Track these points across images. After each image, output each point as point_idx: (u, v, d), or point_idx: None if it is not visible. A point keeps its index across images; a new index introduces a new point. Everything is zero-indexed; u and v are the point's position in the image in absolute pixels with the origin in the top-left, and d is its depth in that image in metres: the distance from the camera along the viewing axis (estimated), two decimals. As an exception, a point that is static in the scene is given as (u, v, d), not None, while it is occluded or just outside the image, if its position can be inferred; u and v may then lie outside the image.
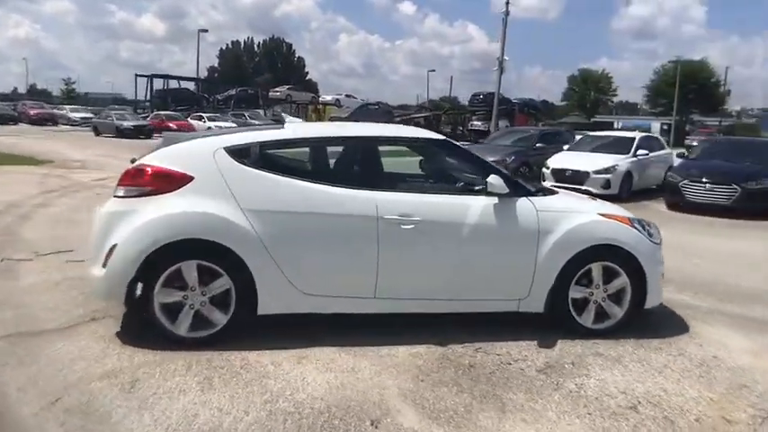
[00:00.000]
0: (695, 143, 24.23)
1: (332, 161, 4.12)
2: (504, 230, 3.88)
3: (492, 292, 3.96)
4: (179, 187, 3.59)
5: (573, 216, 4.02)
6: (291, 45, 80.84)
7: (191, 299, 3.58)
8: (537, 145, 14.82)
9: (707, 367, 3.64)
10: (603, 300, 4.06)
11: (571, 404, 3.10)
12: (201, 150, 3.77)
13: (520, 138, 15.82)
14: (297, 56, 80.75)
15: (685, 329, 4.27)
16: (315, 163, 4.19)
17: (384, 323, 3.89)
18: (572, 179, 11.46)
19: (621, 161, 11.97)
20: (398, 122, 35.90)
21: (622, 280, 4.04)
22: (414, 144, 4.36)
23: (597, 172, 11.60)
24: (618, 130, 32.91)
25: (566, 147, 13.83)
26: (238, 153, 3.74)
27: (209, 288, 3.59)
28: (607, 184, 11.46)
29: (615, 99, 68.06)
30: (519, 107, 43.10)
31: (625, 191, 11.70)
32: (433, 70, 68.01)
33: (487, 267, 3.91)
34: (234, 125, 32.24)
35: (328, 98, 47.14)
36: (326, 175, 3.90)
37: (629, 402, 3.14)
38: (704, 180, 10.44)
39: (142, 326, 3.68)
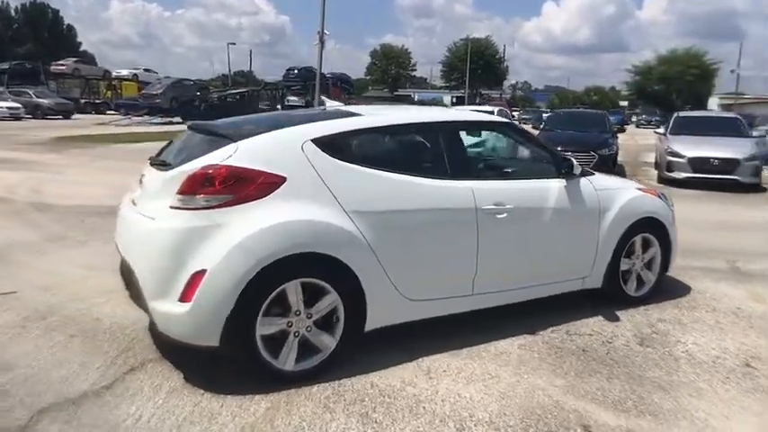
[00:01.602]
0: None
1: (412, 150, 3.70)
2: (576, 211, 3.91)
3: (565, 274, 3.98)
4: (271, 191, 2.90)
5: (622, 193, 4.22)
6: (59, 12, 69.74)
7: (295, 325, 2.97)
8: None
9: (744, 317, 4.15)
10: (642, 269, 4.37)
11: (704, 372, 3.29)
12: (287, 143, 3.09)
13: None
14: (66, 23, 69.97)
15: (687, 287, 4.79)
16: (402, 153, 3.72)
17: (453, 321, 3.62)
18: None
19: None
20: (216, 99, 33.75)
21: (655, 248, 4.38)
22: (491, 128, 4.12)
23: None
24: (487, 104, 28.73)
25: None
26: (329, 145, 3.14)
27: (315, 309, 3.01)
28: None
29: (414, 74, 72.55)
30: (332, 81, 43.46)
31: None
32: (233, 43, 64.37)
33: (564, 249, 3.93)
34: (18, 105, 27.32)
35: (124, 72, 42.23)
36: (421, 166, 3.49)
37: (739, 361, 3.44)
38: (567, 150, 11.72)
39: (208, 365, 2.99)
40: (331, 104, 4.34)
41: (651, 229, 4.33)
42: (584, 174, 4.04)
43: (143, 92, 33.48)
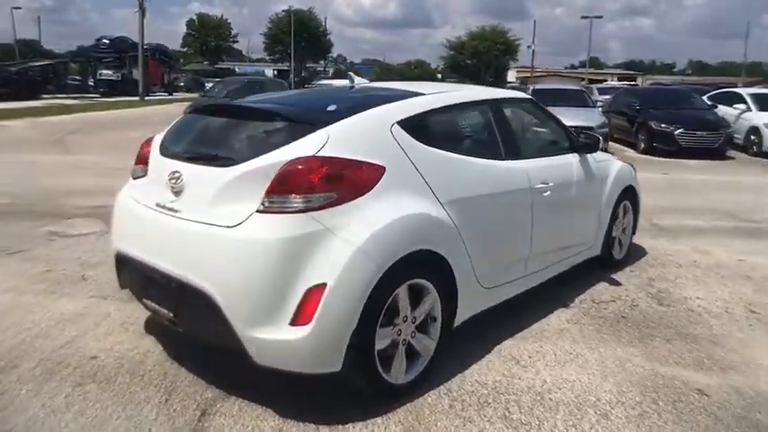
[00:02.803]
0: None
1: (479, 130, 3.45)
2: (589, 184, 4.05)
3: (580, 245, 4.11)
4: (374, 184, 2.50)
5: (612, 164, 4.48)
6: None
7: (403, 332, 2.64)
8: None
9: (708, 269, 4.71)
10: (623, 233, 4.71)
11: (730, 323, 3.65)
12: (378, 128, 2.68)
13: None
14: None
15: (640, 247, 5.28)
16: (465, 134, 3.43)
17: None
18: None
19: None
20: (14, 73, 28.75)
21: (631, 214, 4.76)
22: (523, 106, 3.98)
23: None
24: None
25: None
26: (413, 128, 2.79)
27: (418, 311, 2.71)
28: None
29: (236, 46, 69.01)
30: (150, 53, 39.54)
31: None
32: (18, 8, 54.06)
33: (581, 221, 4.07)
34: None
35: None
36: (486, 146, 3.27)
37: (743, 309, 3.89)
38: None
39: (284, 391, 2.61)
40: (359, 81, 3.84)
41: (629, 197, 4.67)
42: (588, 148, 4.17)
43: None
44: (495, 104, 3.45)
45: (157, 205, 2.68)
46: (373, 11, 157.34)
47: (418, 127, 2.83)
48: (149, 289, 2.73)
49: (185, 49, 63.08)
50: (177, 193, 2.61)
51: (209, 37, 60.90)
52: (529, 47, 63.40)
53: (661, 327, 3.56)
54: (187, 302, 2.50)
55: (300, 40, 58.12)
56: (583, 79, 50.45)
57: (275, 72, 58.14)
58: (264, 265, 2.29)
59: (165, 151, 2.86)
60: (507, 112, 3.56)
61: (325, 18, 64.10)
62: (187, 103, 12.82)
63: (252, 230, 2.32)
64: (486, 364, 2.99)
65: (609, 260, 4.53)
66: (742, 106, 14.10)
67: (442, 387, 2.76)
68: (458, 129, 3.44)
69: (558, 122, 4.07)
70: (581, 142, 4.00)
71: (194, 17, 61.93)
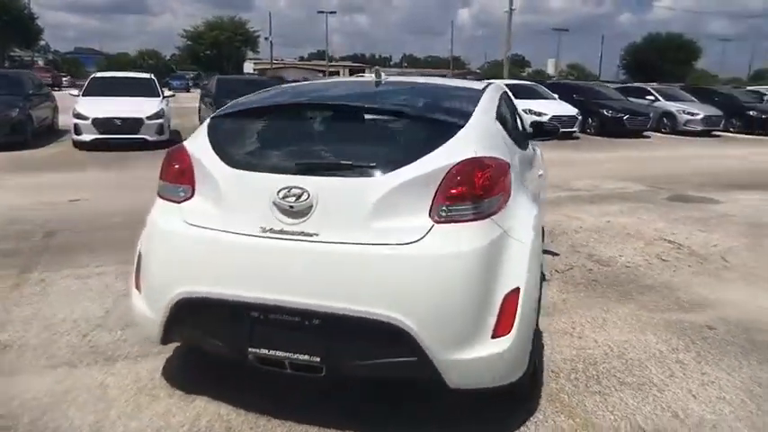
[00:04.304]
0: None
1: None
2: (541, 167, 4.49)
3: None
4: (510, 181, 2.46)
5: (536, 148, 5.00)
6: None
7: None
8: None
9: (607, 230, 5.65)
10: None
11: (663, 271, 4.49)
12: (491, 123, 2.63)
13: None
14: None
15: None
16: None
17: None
18: None
19: None
20: None
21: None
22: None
23: None
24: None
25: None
26: (502, 121, 2.81)
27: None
28: None
29: None
30: None
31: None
32: None
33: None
34: None
35: None
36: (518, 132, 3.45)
37: (659, 258, 4.80)
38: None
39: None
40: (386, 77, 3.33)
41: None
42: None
43: None
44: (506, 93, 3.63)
45: (266, 230, 2.19)
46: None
47: (503, 121, 2.86)
48: (264, 336, 2.22)
49: None
50: (299, 213, 2.18)
51: None
52: (266, 38, 63.96)
53: (624, 283, 4.21)
54: (347, 339, 2.14)
55: (1, 23, 48.38)
56: (322, 73, 52.98)
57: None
58: (463, 279, 2.10)
59: (245, 163, 2.33)
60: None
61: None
62: None
63: (440, 244, 2.10)
64: (552, 346, 3.18)
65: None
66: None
67: (567, 376, 2.87)
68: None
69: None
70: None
71: None
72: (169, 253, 2.37)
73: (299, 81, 5.34)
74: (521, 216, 2.39)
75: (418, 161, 2.20)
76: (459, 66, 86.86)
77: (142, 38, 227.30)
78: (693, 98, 18.45)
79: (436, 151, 2.23)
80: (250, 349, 2.23)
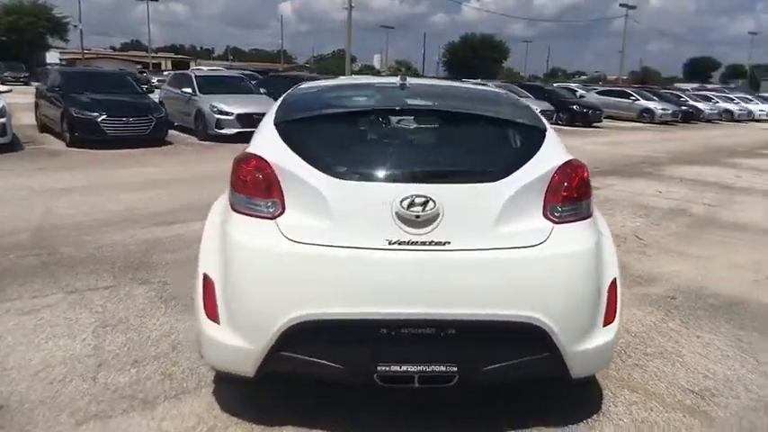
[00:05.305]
0: None
1: None
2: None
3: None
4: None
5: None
6: None
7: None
8: None
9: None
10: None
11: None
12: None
13: None
14: None
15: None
16: None
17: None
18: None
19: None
20: None
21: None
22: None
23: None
24: None
25: None
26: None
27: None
28: None
29: None
30: None
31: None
32: None
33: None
34: None
35: None
36: None
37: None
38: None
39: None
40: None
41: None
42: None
43: None
44: None
45: (392, 243, 2.10)
46: None
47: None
48: (395, 352, 2.13)
49: None
50: (425, 222, 2.12)
51: None
52: (76, 26, 57.27)
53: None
54: (482, 344, 2.15)
55: None
56: (141, 65, 48.97)
57: None
58: (586, 275, 2.24)
59: (353, 174, 2.18)
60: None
61: None
62: None
63: (563, 244, 2.20)
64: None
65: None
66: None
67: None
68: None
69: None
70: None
71: None
72: (274, 274, 2.14)
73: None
74: (596, 211, 2.58)
75: (527, 164, 2.27)
76: (287, 60, 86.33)
77: None
78: (529, 94, 20.63)
79: (537, 154, 2.33)
80: (379, 368, 2.13)
